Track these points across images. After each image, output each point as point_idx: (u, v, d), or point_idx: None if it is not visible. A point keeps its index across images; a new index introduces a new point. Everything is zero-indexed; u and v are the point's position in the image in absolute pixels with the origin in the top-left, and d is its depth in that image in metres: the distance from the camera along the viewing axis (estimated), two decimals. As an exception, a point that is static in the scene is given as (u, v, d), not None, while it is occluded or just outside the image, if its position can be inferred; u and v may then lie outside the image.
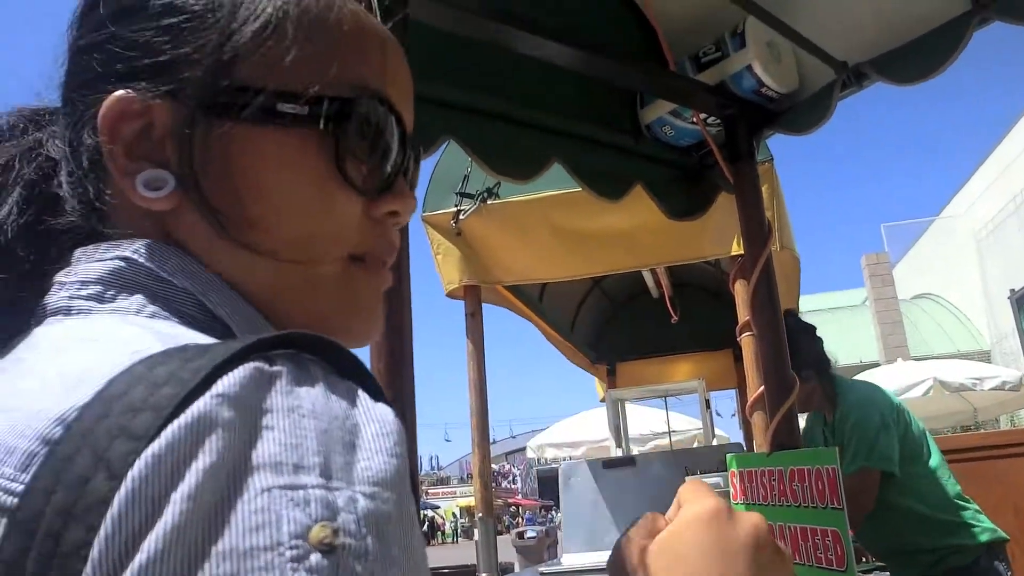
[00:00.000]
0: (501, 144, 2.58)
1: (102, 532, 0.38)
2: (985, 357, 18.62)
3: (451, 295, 4.22)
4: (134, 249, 0.59)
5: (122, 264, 0.58)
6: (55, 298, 0.58)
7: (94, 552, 0.38)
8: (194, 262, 0.60)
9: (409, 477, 0.47)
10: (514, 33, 2.18)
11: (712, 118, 2.86)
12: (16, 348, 0.55)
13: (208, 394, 0.42)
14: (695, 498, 0.64)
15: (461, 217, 4.04)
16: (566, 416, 16.45)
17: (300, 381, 0.46)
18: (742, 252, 3.71)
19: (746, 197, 2.80)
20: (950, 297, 21.95)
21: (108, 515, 0.38)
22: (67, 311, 0.57)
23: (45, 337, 0.54)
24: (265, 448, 0.41)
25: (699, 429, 9.41)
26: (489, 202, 3.97)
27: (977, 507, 3.32)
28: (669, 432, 8.92)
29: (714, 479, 3.75)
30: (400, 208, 0.68)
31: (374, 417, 0.47)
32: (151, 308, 0.56)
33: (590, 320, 7.00)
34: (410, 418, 1.65)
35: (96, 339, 0.51)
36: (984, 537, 3.24)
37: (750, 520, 0.62)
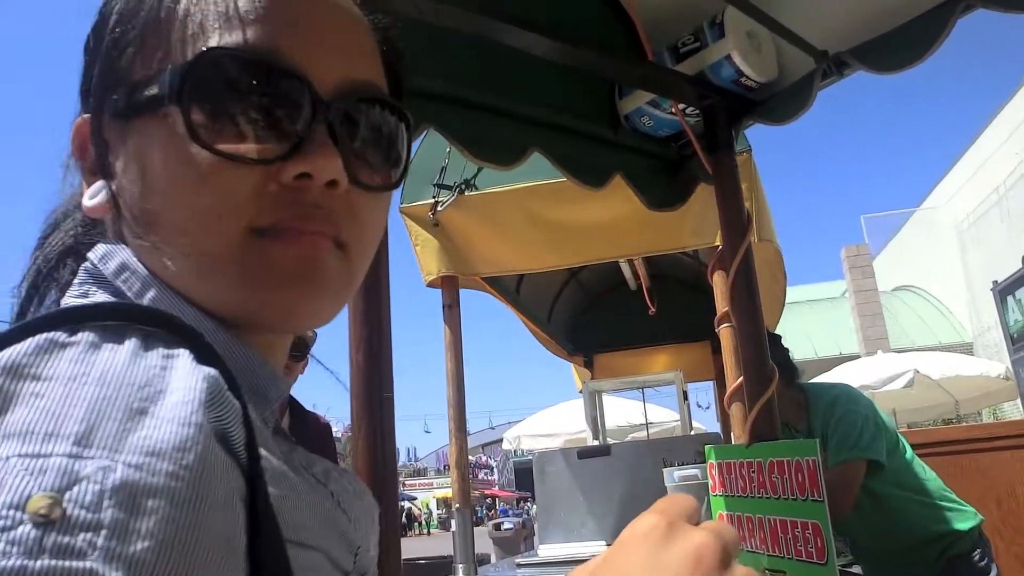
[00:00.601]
0: (480, 133, 2.56)
1: None
2: (967, 350, 18.65)
3: (431, 286, 4.21)
4: (93, 252, 0.63)
5: (88, 265, 0.63)
6: (64, 298, 0.63)
7: None
8: (137, 264, 0.62)
9: (213, 447, 0.45)
10: (492, 24, 2.17)
11: (691, 108, 2.85)
12: None
13: None
14: (640, 517, 0.53)
15: (439, 209, 4.01)
16: (545, 407, 16.41)
17: (100, 349, 0.45)
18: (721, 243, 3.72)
19: (725, 187, 2.79)
20: (931, 289, 21.95)
21: None
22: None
23: None
24: (22, 416, 0.40)
25: (677, 421, 9.44)
26: (467, 193, 3.95)
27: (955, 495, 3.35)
28: (647, 424, 8.93)
29: (692, 470, 3.75)
30: (309, 169, 0.60)
31: (182, 385, 0.45)
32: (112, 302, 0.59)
33: (567, 312, 6.99)
34: (388, 406, 1.63)
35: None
36: (972, 522, 3.27)
37: (693, 540, 0.49)
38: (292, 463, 0.62)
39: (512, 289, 5.57)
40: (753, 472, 2.54)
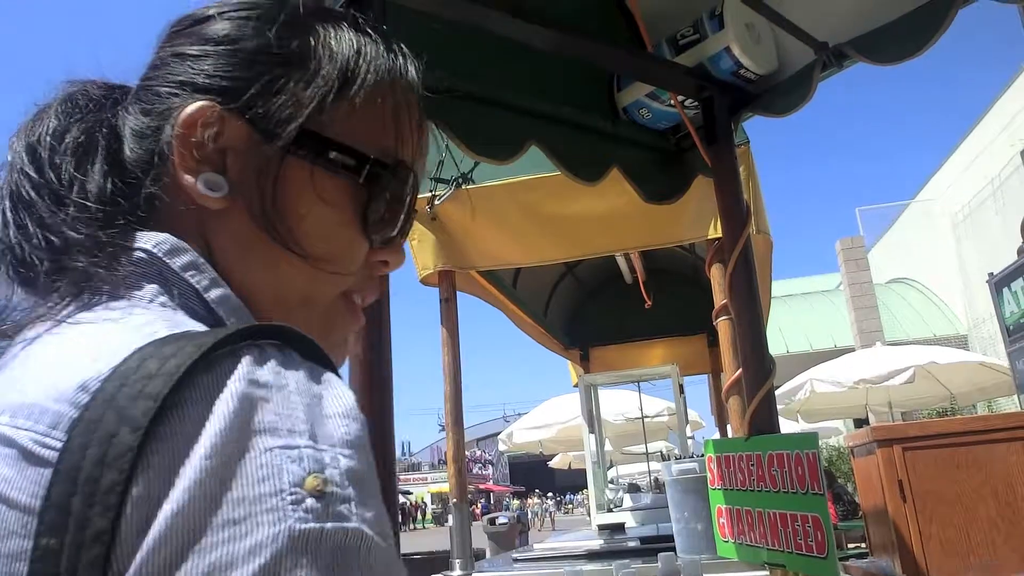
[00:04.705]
0: (478, 126, 2.55)
1: (135, 488, 0.47)
2: (962, 342, 18.59)
3: (425, 281, 4.19)
4: (155, 244, 0.67)
5: (143, 256, 0.66)
6: (95, 280, 0.65)
7: (133, 493, 0.47)
8: (205, 263, 0.68)
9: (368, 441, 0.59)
10: (492, 15, 2.16)
11: (690, 100, 2.84)
12: (60, 319, 0.62)
13: (216, 371, 0.52)
14: None
15: (436, 202, 4.00)
16: (540, 403, 16.41)
17: (286, 365, 0.56)
18: (719, 235, 3.71)
19: (724, 179, 2.78)
20: (926, 281, 21.79)
21: (140, 471, 0.48)
22: (98, 292, 0.64)
23: (76, 315, 0.62)
24: (264, 416, 0.51)
25: (672, 414, 9.42)
26: (464, 187, 3.93)
27: None
28: (642, 417, 8.91)
29: (690, 464, 3.74)
30: (392, 260, 0.80)
31: (339, 395, 0.57)
32: (162, 298, 0.64)
33: (563, 305, 6.99)
34: (387, 404, 1.62)
35: (113, 320, 0.60)
36: None
37: None
38: None
39: (509, 284, 5.56)
40: (752, 465, 2.53)
